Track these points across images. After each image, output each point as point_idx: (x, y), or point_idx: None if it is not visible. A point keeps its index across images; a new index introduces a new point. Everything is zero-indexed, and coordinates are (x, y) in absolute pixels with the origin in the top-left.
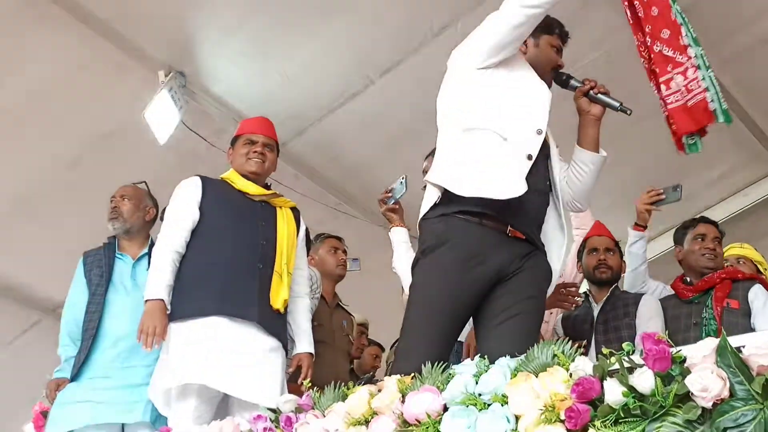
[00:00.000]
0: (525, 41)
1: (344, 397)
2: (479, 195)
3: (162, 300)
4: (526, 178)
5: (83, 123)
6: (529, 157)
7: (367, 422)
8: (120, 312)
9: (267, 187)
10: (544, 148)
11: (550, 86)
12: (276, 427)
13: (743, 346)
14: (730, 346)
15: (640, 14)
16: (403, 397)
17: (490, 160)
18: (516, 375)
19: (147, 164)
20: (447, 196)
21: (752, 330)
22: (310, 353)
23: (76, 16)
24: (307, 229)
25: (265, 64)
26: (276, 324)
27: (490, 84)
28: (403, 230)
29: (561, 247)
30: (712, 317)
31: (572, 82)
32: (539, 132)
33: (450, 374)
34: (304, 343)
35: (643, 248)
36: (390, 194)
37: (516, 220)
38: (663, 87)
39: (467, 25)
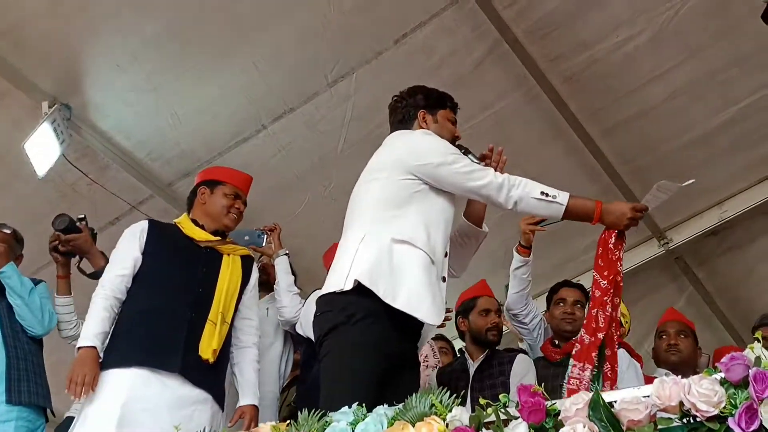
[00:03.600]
0: (424, 117)
1: None
2: (412, 313)
3: (94, 347)
4: None
5: None
6: (443, 279)
7: None
8: None
9: (217, 234)
10: None
11: None
12: None
13: (615, 401)
14: (603, 400)
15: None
16: None
17: (422, 281)
18: (393, 423)
19: (23, 197)
20: (364, 290)
21: None
22: (254, 405)
23: None
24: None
25: (156, 103)
26: (204, 375)
27: (421, 198)
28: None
29: None
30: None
31: (469, 156)
32: (446, 255)
33: (326, 421)
34: (248, 395)
35: (527, 272)
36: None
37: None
38: None
39: (362, 76)
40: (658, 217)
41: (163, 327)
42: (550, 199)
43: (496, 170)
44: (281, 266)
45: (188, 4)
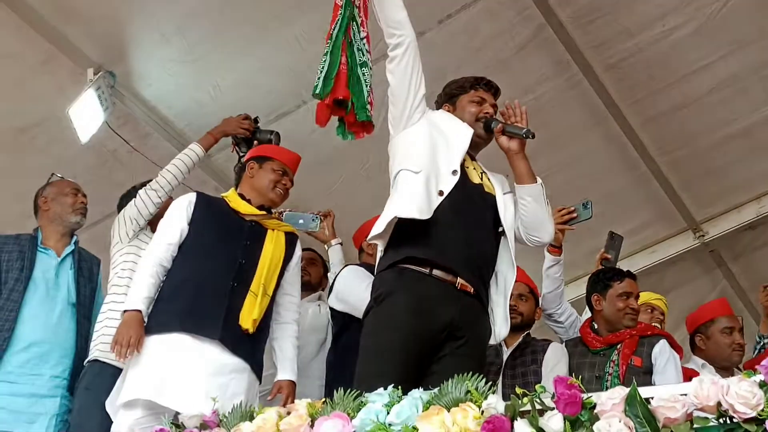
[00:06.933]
0: (446, 107)
1: (252, 417)
2: (389, 217)
3: (140, 311)
4: (468, 231)
5: (2, 113)
6: (440, 193)
7: None
8: (36, 314)
9: (263, 208)
10: (487, 199)
11: (485, 139)
12: None
13: (652, 398)
14: (640, 396)
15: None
16: (313, 421)
17: (403, 191)
18: (428, 408)
19: (64, 161)
20: (390, 245)
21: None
22: (291, 380)
23: (5, 1)
24: None
25: (198, 74)
26: (243, 344)
27: (414, 133)
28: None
29: (506, 302)
30: (616, 374)
31: (492, 125)
32: (454, 173)
33: (362, 402)
34: (286, 370)
35: (560, 271)
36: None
37: (464, 272)
38: None
39: None
40: (694, 209)
41: (205, 295)
42: None
43: (517, 123)
44: (336, 257)
45: None
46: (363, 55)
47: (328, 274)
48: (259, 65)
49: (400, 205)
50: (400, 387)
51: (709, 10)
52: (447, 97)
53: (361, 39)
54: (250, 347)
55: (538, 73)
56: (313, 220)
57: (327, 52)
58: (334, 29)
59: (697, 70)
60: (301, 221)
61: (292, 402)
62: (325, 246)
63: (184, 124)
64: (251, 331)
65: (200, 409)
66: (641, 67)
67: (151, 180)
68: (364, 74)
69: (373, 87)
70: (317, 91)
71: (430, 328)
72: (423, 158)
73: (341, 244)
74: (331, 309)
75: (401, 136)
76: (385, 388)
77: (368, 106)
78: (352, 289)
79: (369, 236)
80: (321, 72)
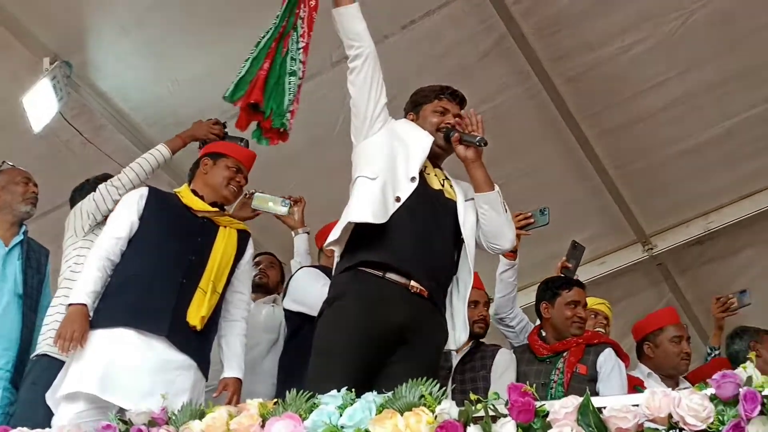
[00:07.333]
0: (411, 119)
1: (202, 416)
2: (344, 223)
3: (85, 305)
4: (425, 236)
5: None
6: (397, 199)
7: None
8: None
9: (215, 205)
10: (448, 205)
11: (446, 149)
12: None
13: (604, 407)
14: (593, 405)
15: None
16: (264, 421)
17: (360, 197)
18: (381, 411)
19: (16, 150)
20: (347, 250)
21: (597, 395)
22: (238, 378)
23: None
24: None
25: (157, 68)
26: (190, 341)
27: (374, 143)
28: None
29: (465, 307)
30: (561, 382)
31: (450, 134)
32: (412, 179)
33: (315, 403)
34: (233, 367)
35: (514, 276)
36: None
37: (419, 276)
38: None
39: None
40: (644, 222)
41: (153, 291)
42: None
43: (473, 131)
44: (302, 245)
45: None
46: (296, 64)
47: (291, 262)
48: (219, 62)
49: (355, 210)
50: (352, 389)
51: (668, 27)
52: (412, 106)
53: (298, 50)
54: (198, 344)
55: (498, 82)
56: (282, 204)
57: (249, 58)
58: (263, 37)
59: (653, 86)
60: (270, 203)
61: (238, 399)
62: (292, 233)
63: (141, 118)
64: (199, 328)
65: (143, 405)
66: (599, 80)
67: (104, 173)
68: (290, 83)
69: (301, 94)
70: (226, 95)
71: (381, 329)
72: (381, 166)
73: (308, 233)
74: (286, 310)
75: (362, 145)
76: (338, 390)
77: (287, 115)
78: (308, 289)
79: (326, 243)
80: (236, 77)
